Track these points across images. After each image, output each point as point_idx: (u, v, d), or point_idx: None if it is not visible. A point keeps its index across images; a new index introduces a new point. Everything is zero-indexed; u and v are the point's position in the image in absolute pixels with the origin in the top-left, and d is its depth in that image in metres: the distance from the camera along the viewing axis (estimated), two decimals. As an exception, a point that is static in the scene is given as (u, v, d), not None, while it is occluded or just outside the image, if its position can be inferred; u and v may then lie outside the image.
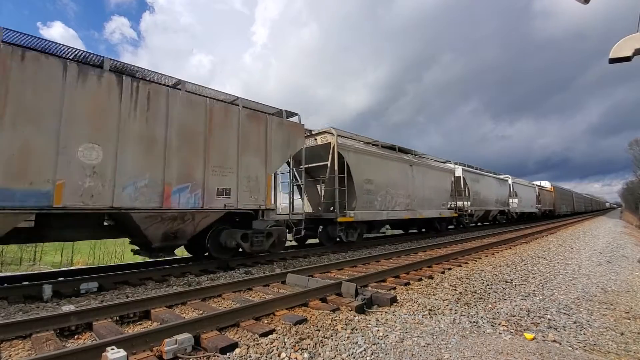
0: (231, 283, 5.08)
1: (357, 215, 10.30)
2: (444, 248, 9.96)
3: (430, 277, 5.93)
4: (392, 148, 13.26)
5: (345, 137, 11.19)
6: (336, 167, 9.96)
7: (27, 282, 5.74)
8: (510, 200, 24.50)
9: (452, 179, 16.72)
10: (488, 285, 5.49)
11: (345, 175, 10.15)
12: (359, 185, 10.59)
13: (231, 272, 6.79)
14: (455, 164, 18.17)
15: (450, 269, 6.79)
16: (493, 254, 8.93)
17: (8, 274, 7.75)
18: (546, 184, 37.87)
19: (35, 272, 7.06)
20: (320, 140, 10.58)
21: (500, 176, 24.24)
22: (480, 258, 8.22)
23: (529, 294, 5.04)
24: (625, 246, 11.63)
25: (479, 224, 22.54)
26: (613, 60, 3.79)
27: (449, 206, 16.21)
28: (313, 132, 10.81)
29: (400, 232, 16.22)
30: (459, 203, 17.25)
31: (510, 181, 25.12)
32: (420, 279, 5.77)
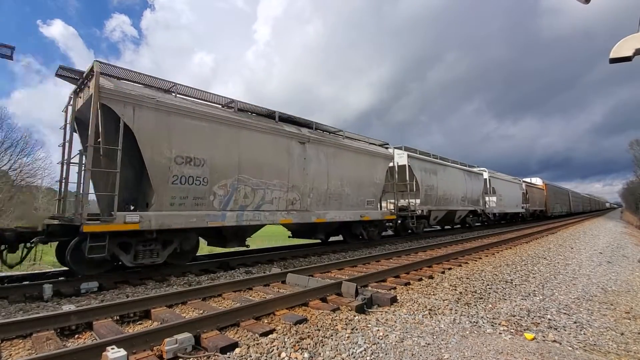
0: (231, 283, 5.08)
1: (152, 220, 5.82)
2: (444, 248, 9.96)
3: (431, 277, 5.93)
4: (268, 116, 8.38)
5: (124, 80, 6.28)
6: (101, 130, 5.50)
7: (27, 282, 5.76)
8: (487, 199, 20.49)
9: (390, 166, 12.47)
10: (488, 285, 5.49)
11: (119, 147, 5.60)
12: (161, 165, 6.07)
13: (231, 271, 6.80)
14: (399, 148, 13.66)
15: (450, 269, 6.79)
16: (493, 254, 8.93)
17: (9, 273, 7.75)
18: (537, 180, 34.67)
19: (36, 271, 7.06)
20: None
21: (474, 169, 19.64)
22: (481, 258, 8.22)
23: (529, 294, 5.04)
24: (625, 246, 11.62)
25: (442, 227, 18.48)
26: (613, 60, 3.78)
27: (384, 205, 13.05)
28: None
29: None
30: (404, 201, 13.21)
31: (486, 175, 20.66)
32: (420, 279, 5.77)
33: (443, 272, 6.43)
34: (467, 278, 5.92)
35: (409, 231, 13.62)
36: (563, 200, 43.11)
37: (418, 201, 13.54)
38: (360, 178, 10.69)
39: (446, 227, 18.77)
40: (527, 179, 33.06)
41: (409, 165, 13.27)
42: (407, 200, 13.27)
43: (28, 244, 5.61)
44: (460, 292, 4.95)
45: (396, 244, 12.02)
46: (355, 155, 10.58)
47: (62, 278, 5.89)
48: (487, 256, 8.57)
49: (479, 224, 20.94)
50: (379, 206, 11.70)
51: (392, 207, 12.89)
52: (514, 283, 5.71)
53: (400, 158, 13.37)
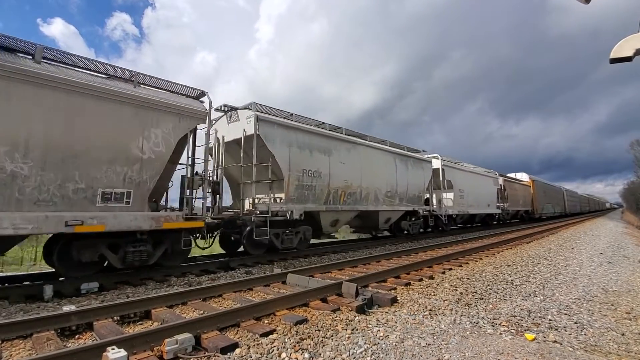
0: (232, 283, 5.08)
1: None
2: (445, 248, 9.95)
3: (431, 278, 5.93)
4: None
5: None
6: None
7: (28, 282, 5.76)
8: (444, 196, 15.72)
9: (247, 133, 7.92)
10: (489, 285, 5.48)
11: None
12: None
13: (232, 272, 6.80)
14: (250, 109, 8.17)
15: (450, 269, 6.78)
16: (494, 254, 8.92)
17: (9, 273, 7.75)
18: (522, 176, 30.09)
19: (36, 272, 7.07)
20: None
21: (415, 154, 13.96)
22: (481, 258, 8.21)
23: (530, 295, 5.03)
24: (626, 247, 11.61)
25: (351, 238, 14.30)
26: (614, 61, 3.78)
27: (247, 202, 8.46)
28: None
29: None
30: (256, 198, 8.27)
31: (437, 164, 15.21)
32: (420, 279, 5.76)
33: (443, 273, 6.43)
34: (468, 278, 5.91)
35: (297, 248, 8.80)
36: (556, 199, 38.15)
37: (281, 196, 8.42)
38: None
39: (363, 237, 13.90)
40: (512, 175, 29.02)
41: (257, 135, 7.73)
42: (260, 196, 8.66)
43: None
44: (461, 293, 4.95)
45: (397, 244, 12.01)
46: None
47: (62, 278, 5.90)
48: (487, 256, 8.56)
49: (420, 230, 14.16)
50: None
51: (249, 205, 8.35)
52: (514, 283, 5.71)
53: (247, 124, 7.95)
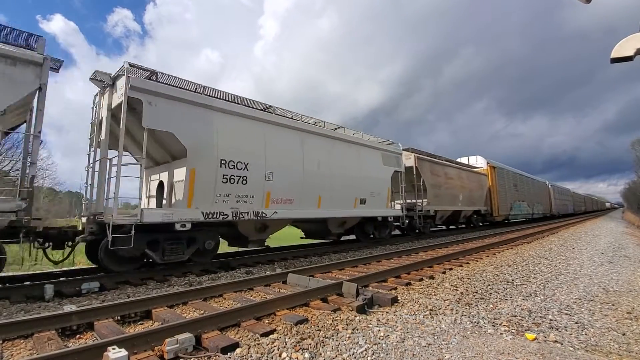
0: (232, 283, 5.08)
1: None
2: (445, 248, 9.95)
3: (432, 277, 5.93)
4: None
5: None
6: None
7: (28, 282, 5.77)
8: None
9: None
10: (489, 285, 5.48)
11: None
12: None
13: (232, 272, 6.80)
14: None
15: (451, 269, 6.78)
16: (494, 254, 8.92)
17: (10, 273, 7.76)
18: (478, 161, 21.45)
19: (37, 272, 7.08)
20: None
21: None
22: (482, 258, 8.21)
23: (530, 294, 5.03)
24: (627, 246, 11.59)
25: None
26: (614, 60, 3.78)
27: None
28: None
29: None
30: None
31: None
32: (421, 279, 5.76)
33: (444, 272, 6.43)
34: (468, 278, 5.91)
35: None
36: (536, 196, 29.64)
37: None
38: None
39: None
40: (462, 159, 21.50)
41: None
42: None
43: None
44: (461, 293, 4.95)
45: (397, 244, 12.01)
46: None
47: (63, 278, 5.90)
48: (488, 256, 8.56)
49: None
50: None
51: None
52: (515, 283, 5.70)
53: None
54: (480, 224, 20.60)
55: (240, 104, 7.96)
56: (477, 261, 7.81)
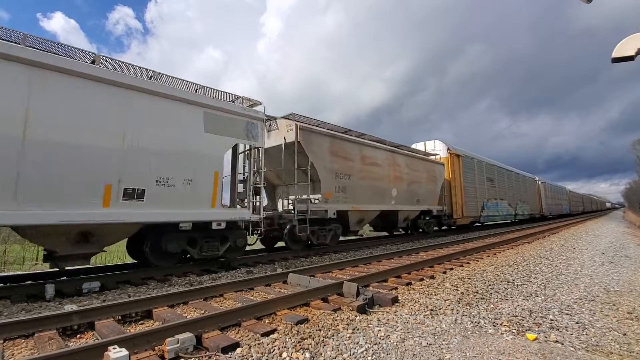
0: (233, 283, 5.08)
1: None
2: (446, 248, 9.95)
3: (432, 277, 5.93)
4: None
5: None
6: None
7: (29, 282, 5.77)
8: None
9: None
10: (490, 285, 5.48)
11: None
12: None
13: (233, 271, 6.81)
14: None
15: (452, 269, 6.78)
16: (495, 254, 8.91)
17: (11, 273, 7.78)
18: (436, 146, 16.91)
19: (38, 271, 7.08)
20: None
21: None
22: (482, 258, 8.20)
23: (531, 294, 5.02)
24: (628, 246, 11.58)
25: None
26: (615, 60, 3.77)
27: None
28: None
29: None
30: None
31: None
32: (421, 279, 5.76)
33: (444, 272, 6.42)
34: (469, 278, 5.91)
35: None
36: (521, 194, 25.37)
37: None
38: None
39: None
40: (417, 144, 16.87)
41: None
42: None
43: None
44: (462, 293, 4.94)
45: (397, 244, 12.01)
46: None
47: (64, 278, 5.91)
48: (488, 256, 8.55)
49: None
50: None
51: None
52: (515, 283, 5.70)
53: None
54: (436, 228, 15.70)
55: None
56: (477, 261, 7.80)
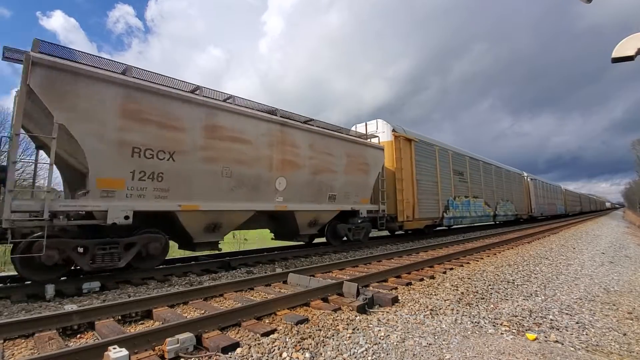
0: (233, 283, 5.08)
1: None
2: (446, 248, 9.95)
3: (432, 277, 5.93)
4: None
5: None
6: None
7: (29, 282, 5.77)
8: None
9: None
10: (490, 285, 5.48)
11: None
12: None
13: (233, 271, 6.81)
14: None
15: (452, 269, 6.78)
16: (495, 254, 8.91)
17: (11, 273, 7.77)
18: (379, 126, 12.50)
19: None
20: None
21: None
22: (482, 258, 8.20)
23: (531, 294, 5.02)
24: (628, 246, 11.58)
25: None
26: (615, 60, 3.77)
27: None
28: None
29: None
30: None
31: None
32: (421, 279, 5.76)
33: (444, 272, 6.42)
34: (469, 278, 5.91)
35: None
36: (504, 192, 21.69)
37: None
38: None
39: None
40: (362, 126, 12.65)
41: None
42: None
43: None
44: (462, 292, 4.94)
45: (397, 243, 12.00)
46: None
47: (63, 278, 5.91)
48: (488, 256, 8.55)
49: None
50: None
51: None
52: (515, 283, 5.70)
53: None
54: (361, 237, 10.56)
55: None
56: (477, 261, 7.80)
